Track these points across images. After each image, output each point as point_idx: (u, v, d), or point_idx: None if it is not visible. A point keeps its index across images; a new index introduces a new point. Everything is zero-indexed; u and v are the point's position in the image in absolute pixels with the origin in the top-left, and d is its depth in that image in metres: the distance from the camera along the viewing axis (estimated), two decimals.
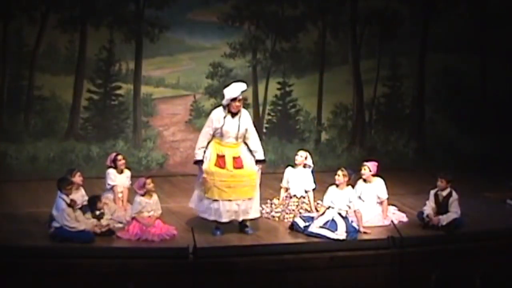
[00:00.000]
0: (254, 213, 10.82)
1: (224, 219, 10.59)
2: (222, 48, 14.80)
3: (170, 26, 14.43)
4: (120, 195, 11.27)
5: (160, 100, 14.79)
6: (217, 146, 10.67)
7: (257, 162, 10.83)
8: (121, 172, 11.34)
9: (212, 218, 10.62)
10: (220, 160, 10.61)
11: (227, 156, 10.62)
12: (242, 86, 10.63)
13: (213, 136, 10.70)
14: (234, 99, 10.56)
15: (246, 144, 10.83)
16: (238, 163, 10.65)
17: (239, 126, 10.63)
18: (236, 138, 10.68)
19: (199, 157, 10.72)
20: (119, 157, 11.38)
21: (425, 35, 15.55)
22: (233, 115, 10.62)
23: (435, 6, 15.46)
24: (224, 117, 10.59)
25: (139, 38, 14.39)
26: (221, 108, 10.71)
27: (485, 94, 15.81)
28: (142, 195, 10.55)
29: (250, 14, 14.83)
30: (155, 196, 10.68)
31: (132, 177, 11.51)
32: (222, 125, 10.57)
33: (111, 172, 11.30)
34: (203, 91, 14.86)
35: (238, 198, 10.58)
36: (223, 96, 10.77)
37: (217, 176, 10.54)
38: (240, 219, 10.68)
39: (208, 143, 10.71)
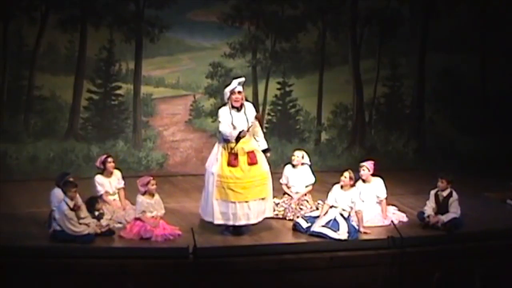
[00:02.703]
0: (268, 212, 10.88)
1: (241, 222, 10.57)
2: (222, 48, 14.80)
3: (170, 26, 14.43)
4: (115, 196, 11.23)
5: (160, 100, 14.79)
6: (229, 144, 10.65)
7: (263, 152, 10.84)
8: (110, 174, 11.26)
9: (230, 223, 10.60)
10: (233, 158, 10.56)
11: (240, 153, 10.60)
12: (238, 79, 10.67)
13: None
14: (233, 92, 10.59)
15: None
16: (252, 159, 10.62)
17: (247, 119, 10.65)
18: (247, 132, 10.67)
19: (236, 132, 10.52)
20: (109, 159, 11.28)
21: (425, 35, 15.54)
22: (238, 109, 10.64)
23: (435, 6, 15.46)
24: (230, 113, 10.61)
25: (139, 38, 14.39)
26: (223, 107, 10.76)
27: (485, 94, 15.81)
28: (143, 194, 10.56)
29: (250, 14, 14.82)
30: (157, 196, 10.69)
31: (130, 177, 11.50)
32: (231, 121, 10.58)
33: (97, 180, 11.15)
34: (203, 91, 14.86)
35: (253, 198, 10.56)
36: (223, 96, 10.82)
37: (231, 178, 10.51)
38: (254, 221, 10.64)
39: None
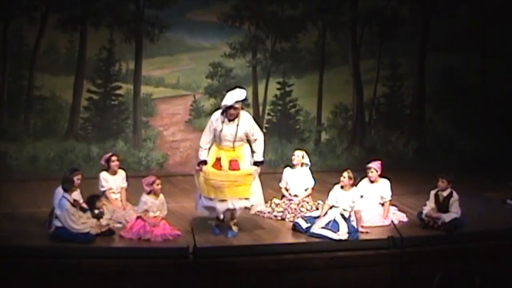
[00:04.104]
0: (260, 207, 10.99)
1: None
2: (222, 48, 14.81)
3: (170, 26, 14.44)
4: (118, 196, 11.24)
5: (160, 100, 14.80)
6: (216, 150, 10.70)
7: (254, 163, 10.80)
8: (114, 173, 11.29)
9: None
10: (218, 162, 10.64)
11: (223, 159, 10.62)
12: (238, 95, 10.51)
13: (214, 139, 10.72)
14: (229, 107, 10.54)
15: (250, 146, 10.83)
16: (233, 166, 10.62)
17: (236, 131, 10.57)
18: (233, 143, 10.62)
19: (202, 157, 10.71)
20: (113, 157, 11.31)
21: (425, 35, 15.56)
22: (231, 120, 10.60)
23: (435, 6, 15.47)
24: (222, 122, 10.58)
25: (139, 38, 14.39)
26: (219, 111, 10.71)
27: (485, 94, 15.82)
28: (148, 193, 10.55)
29: (250, 14, 14.84)
30: (161, 197, 10.68)
31: (130, 177, 11.50)
32: (220, 130, 10.56)
33: (103, 175, 11.22)
34: (203, 91, 14.87)
35: (233, 197, 10.58)
36: (223, 98, 10.77)
37: (212, 176, 10.56)
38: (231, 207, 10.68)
39: (211, 145, 10.74)
